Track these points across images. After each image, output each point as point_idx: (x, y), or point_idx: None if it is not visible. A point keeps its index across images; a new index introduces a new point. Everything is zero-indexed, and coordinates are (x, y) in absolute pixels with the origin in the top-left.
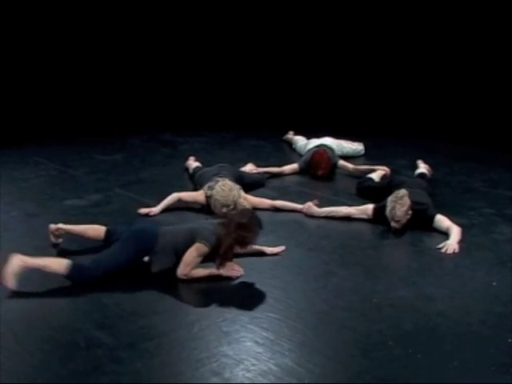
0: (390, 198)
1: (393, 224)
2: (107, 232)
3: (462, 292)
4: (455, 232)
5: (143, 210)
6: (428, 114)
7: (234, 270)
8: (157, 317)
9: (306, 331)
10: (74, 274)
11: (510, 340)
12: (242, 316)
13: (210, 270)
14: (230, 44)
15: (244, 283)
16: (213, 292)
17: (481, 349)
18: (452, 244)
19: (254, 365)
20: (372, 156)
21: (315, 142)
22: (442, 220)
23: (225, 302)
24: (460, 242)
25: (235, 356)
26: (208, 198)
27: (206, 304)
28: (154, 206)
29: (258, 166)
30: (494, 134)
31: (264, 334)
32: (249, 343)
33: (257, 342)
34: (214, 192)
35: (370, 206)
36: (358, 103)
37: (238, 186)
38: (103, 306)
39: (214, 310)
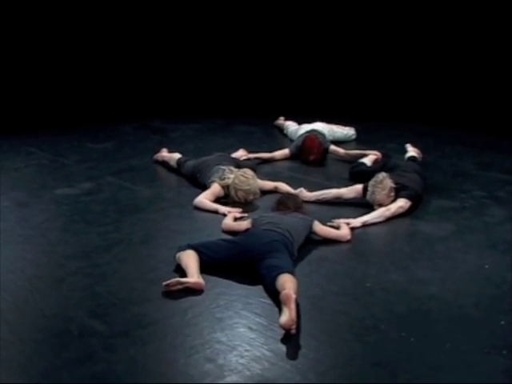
0: (370, 183)
1: (376, 208)
2: None
3: (454, 275)
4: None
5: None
6: (419, 97)
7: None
8: (150, 304)
9: (298, 316)
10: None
11: (502, 322)
12: (235, 302)
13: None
14: (220, 30)
15: (237, 269)
16: (206, 279)
17: (473, 331)
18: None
19: (247, 350)
20: (363, 140)
21: (306, 127)
22: (391, 207)
23: (218, 289)
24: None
25: (229, 342)
26: (224, 187)
27: (198, 291)
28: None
29: (250, 151)
30: (485, 117)
31: (257, 319)
32: (242, 329)
33: (250, 328)
34: (236, 181)
35: (359, 186)
36: (349, 88)
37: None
38: (96, 294)
39: (207, 297)
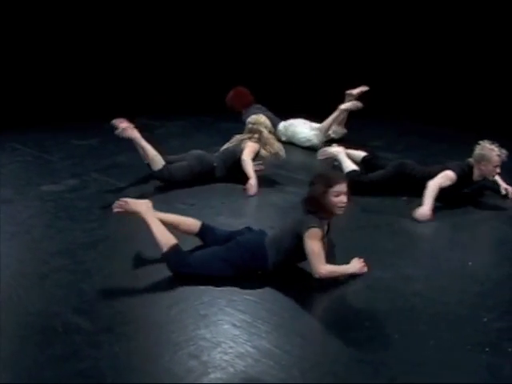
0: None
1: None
2: (202, 227)
3: (438, 272)
4: None
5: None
6: (405, 95)
7: (362, 264)
8: (134, 301)
9: (282, 313)
10: (171, 256)
11: (485, 319)
12: (219, 299)
13: (344, 268)
14: (205, 28)
15: None
16: (190, 276)
17: (457, 328)
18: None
19: (231, 347)
20: (348, 138)
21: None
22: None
23: (202, 285)
24: None
25: (213, 339)
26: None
27: (183, 287)
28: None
29: None
30: (471, 115)
31: (241, 316)
32: (226, 326)
33: (234, 325)
34: (265, 135)
35: (450, 172)
36: (334, 85)
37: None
38: (80, 290)
39: (191, 294)
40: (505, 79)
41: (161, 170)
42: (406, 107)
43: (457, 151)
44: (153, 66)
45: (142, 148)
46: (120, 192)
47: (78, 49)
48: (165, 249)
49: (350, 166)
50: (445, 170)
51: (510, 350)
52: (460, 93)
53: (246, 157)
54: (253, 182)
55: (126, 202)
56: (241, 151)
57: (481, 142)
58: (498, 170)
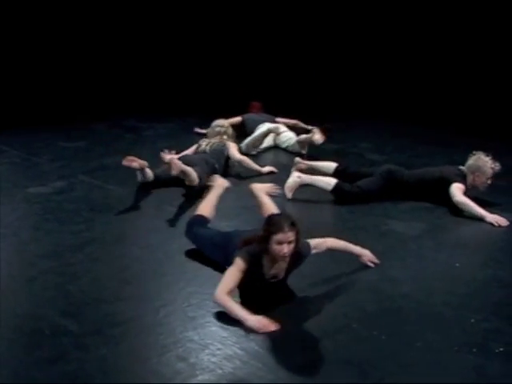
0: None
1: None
2: None
3: (426, 273)
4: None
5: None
6: (393, 97)
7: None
8: (122, 303)
9: (270, 316)
10: (192, 220)
11: (472, 320)
12: (208, 301)
13: (241, 313)
14: (194, 31)
15: (208, 268)
16: (178, 278)
17: (444, 329)
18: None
19: (219, 349)
20: (336, 139)
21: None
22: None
23: (190, 288)
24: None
25: (200, 341)
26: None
27: (171, 290)
28: (116, 189)
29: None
30: (457, 117)
31: (229, 318)
32: (214, 328)
33: (222, 327)
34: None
35: (459, 185)
36: (322, 86)
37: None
38: (68, 293)
39: (179, 296)
40: (491, 81)
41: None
42: (393, 109)
43: (443, 152)
44: (141, 69)
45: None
46: (107, 194)
47: (66, 52)
48: (197, 213)
49: (327, 181)
50: (452, 184)
51: (496, 350)
52: (447, 95)
53: (238, 155)
54: (268, 168)
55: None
56: (226, 150)
57: (476, 152)
58: (490, 182)
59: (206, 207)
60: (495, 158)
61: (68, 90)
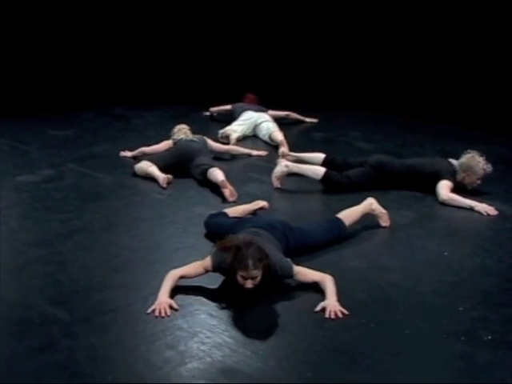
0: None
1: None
2: None
3: (414, 262)
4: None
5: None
6: (381, 86)
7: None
8: (111, 291)
9: (259, 304)
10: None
11: (460, 309)
12: (196, 289)
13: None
14: (182, 19)
15: (197, 257)
16: (167, 266)
17: (433, 318)
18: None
19: (208, 337)
20: (325, 128)
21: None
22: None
23: None
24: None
25: (189, 329)
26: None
27: (159, 278)
28: (105, 178)
29: (213, 139)
30: (447, 106)
31: (218, 306)
32: (203, 316)
33: (211, 315)
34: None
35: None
36: (311, 75)
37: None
38: (57, 281)
39: None
40: (480, 70)
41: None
42: (382, 98)
43: (432, 142)
44: (129, 57)
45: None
46: (96, 182)
47: (54, 40)
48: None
49: (316, 170)
50: (441, 180)
51: (484, 338)
52: (435, 84)
53: (224, 146)
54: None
55: None
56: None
57: (470, 151)
58: (479, 183)
59: (232, 210)
60: (485, 146)
61: (56, 78)
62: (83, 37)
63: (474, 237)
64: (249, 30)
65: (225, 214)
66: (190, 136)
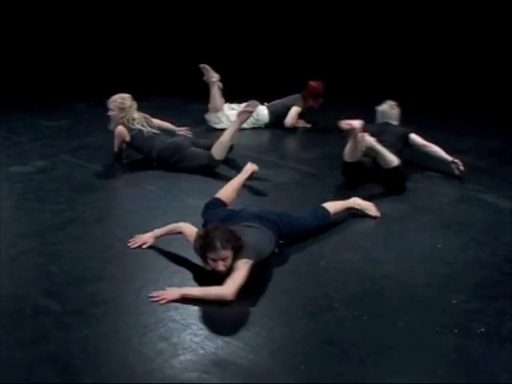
0: None
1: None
2: None
3: (408, 254)
4: None
5: None
6: (373, 78)
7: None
8: (104, 283)
9: (252, 295)
10: (210, 200)
11: (454, 301)
12: (190, 281)
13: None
14: (174, 9)
15: (189, 249)
16: (160, 258)
17: (426, 310)
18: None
19: (201, 329)
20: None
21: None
22: None
23: (172, 267)
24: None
25: (182, 321)
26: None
27: (152, 270)
28: (98, 169)
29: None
30: (439, 98)
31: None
32: (196, 308)
33: (204, 307)
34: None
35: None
36: (305, 67)
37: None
38: (50, 272)
39: (160, 276)
40: (474, 63)
41: None
42: (375, 91)
43: (425, 134)
44: (123, 48)
45: None
46: (89, 173)
47: (47, 30)
48: (215, 195)
49: (393, 157)
50: None
51: (478, 331)
52: (428, 79)
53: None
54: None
55: None
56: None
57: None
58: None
59: (225, 190)
60: (478, 139)
61: (49, 68)
62: (77, 27)
63: (467, 229)
64: (246, 21)
65: (217, 204)
66: (148, 127)
